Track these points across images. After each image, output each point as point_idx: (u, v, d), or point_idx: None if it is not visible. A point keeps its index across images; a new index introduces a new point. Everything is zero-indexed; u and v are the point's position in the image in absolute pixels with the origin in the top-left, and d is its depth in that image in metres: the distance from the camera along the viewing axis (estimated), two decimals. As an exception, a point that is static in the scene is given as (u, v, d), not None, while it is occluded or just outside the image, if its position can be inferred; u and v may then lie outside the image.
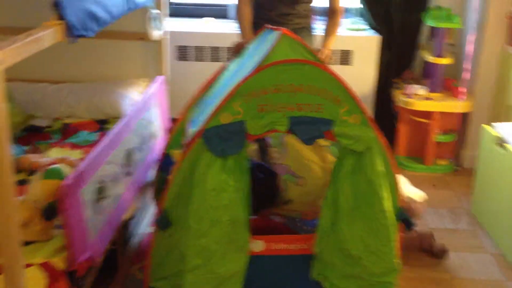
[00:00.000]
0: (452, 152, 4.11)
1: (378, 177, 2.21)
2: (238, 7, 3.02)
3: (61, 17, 1.81)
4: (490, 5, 3.74)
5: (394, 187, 2.31)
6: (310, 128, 2.19)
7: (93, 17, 2.05)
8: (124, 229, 2.91)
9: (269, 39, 2.38)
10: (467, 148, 4.09)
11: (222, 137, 2.12)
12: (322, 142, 2.80)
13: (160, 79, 3.21)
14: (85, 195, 2.07)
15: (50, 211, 1.99)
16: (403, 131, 4.11)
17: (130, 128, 2.66)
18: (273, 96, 2.15)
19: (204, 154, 2.13)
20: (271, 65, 2.16)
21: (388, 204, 2.24)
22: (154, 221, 2.30)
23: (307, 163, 2.85)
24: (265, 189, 2.70)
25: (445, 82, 4.02)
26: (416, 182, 3.85)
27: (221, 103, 2.14)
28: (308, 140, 2.20)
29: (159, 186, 2.62)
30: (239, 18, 3.01)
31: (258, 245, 2.33)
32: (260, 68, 2.17)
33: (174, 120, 2.53)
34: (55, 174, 2.01)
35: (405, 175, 3.93)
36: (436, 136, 3.98)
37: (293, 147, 2.89)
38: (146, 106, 2.94)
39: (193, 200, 2.14)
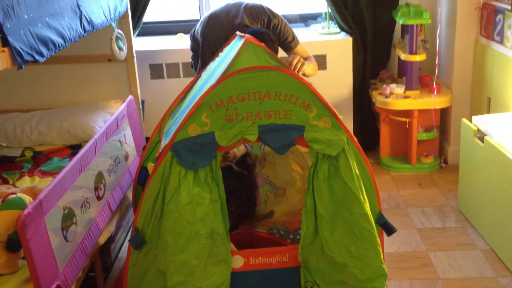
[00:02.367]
0: (436, 149, 4.05)
1: (354, 180, 2.15)
2: None
3: (5, 44, 1.74)
4: (460, -2, 3.71)
5: (371, 189, 2.24)
6: (280, 136, 2.13)
7: (44, 41, 1.98)
8: (104, 255, 2.83)
9: (236, 46, 2.32)
10: (450, 144, 4.04)
11: (192, 150, 2.08)
12: (302, 148, 2.73)
13: (129, 98, 3.14)
14: (49, 223, 1.98)
15: (13, 242, 1.90)
16: (384, 132, 4.06)
17: (98, 150, 2.58)
18: (240, 105, 2.11)
19: (175, 168, 2.09)
20: (235, 74, 2.11)
21: (367, 207, 2.18)
22: (129, 240, 2.22)
23: (286, 172, 2.77)
24: (240, 204, 2.61)
25: (421, 79, 3.97)
26: (402, 182, 3.82)
27: (188, 115, 2.09)
28: (280, 149, 2.15)
29: (137, 200, 2.55)
30: None
31: (236, 261, 2.25)
32: (224, 77, 2.11)
33: (148, 139, 2.49)
34: (15, 204, 1.92)
35: (391, 176, 3.93)
36: (418, 134, 3.92)
37: (272, 156, 2.82)
38: (115, 127, 2.86)
39: (168, 216, 2.09)
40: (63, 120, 3.27)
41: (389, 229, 2.27)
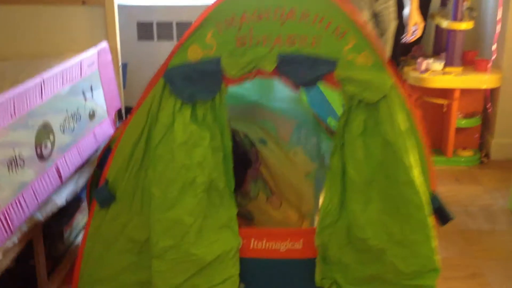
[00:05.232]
0: (476, 140, 3.37)
1: (399, 138, 1.56)
2: None
3: None
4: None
5: (422, 154, 1.58)
6: (305, 69, 1.62)
7: None
8: (54, 240, 2.16)
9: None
10: (494, 135, 3.35)
11: (190, 79, 1.63)
12: (304, 164, 2.10)
13: (102, 45, 2.48)
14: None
15: None
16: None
17: (47, 96, 1.91)
18: (256, 25, 1.63)
19: (168, 102, 1.63)
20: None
21: (416, 175, 1.57)
22: (93, 194, 1.75)
23: (286, 187, 2.15)
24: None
25: (463, 56, 3.31)
26: (436, 177, 3.13)
27: (188, 32, 1.63)
28: (303, 84, 1.67)
29: (93, 186, 1.98)
30: None
31: None
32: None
33: (131, 110, 1.84)
34: None
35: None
36: (457, 120, 3.25)
37: (273, 160, 2.17)
38: (78, 74, 2.20)
39: (156, 162, 1.65)
40: (19, 74, 2.60)
41: (444, 216, 1.68)
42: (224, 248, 1.68)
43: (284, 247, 1.74)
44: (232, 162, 1.70)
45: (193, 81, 1.62)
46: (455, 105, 3.21)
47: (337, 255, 1.68)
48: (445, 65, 3.24)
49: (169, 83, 1.62)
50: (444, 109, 3.27)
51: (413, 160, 1.56)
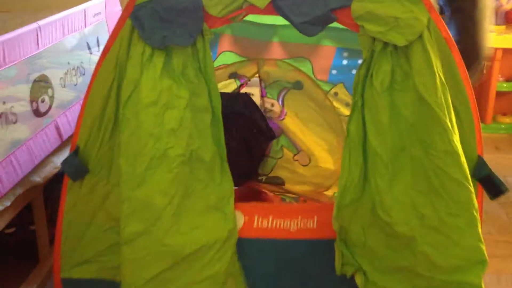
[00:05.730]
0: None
1: (437, 92, 1.26)
2: None
3: None
4: None
5: (467, 116, 1.33)
6: (309, 4, 1.27)
7: None
8: (56, 204, 2.01)
9: None
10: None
11: (163, 19, 1.29)
12: (342, 109, 1.89)
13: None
14: None
15: None
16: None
17: (45, 44, 1.73)
18: None
19: (136, 48, 1.30)
20: None
21: (458, 142, 1.28)
22: (61, 164, 1.44)
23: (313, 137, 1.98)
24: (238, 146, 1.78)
25: (507, 14, 3.04)
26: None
27: None
28: (305, 26, 1.28)
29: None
30: None
31: None
32: None
33: None
34: None
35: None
36: (498, 84, 2.98)
37: (296, 110, 2.01)
38: (82, 23, 2.00)
39: (123, 127, 1.32)
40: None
41: (495, 188, 1.35)
42: (208, 237, 1.35)
43: (294, 226, 1.43)
44: (222, 125, 1.38)
45: (167, 21, 1.29)
46: (496, 67, 2.96)
47: (361, 238, 1.36)
48: (487, 23, 2.95)
49: (136, 24, 1.29)
50: (484, 71, 2.99)
51: (454, 121, 1.28)
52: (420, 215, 1.29)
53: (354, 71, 1.80)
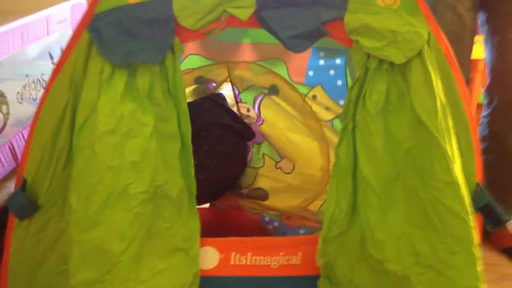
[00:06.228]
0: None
1: (437, 115, 1.16)
2: None
3: None
4: None
5: (466, 140, 1.23)
6: (297, 16, 1.14)
7: None
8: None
9: None
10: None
11: (127, 31, 1.13)
12: (323, 114, 1.77)
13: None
14: None
15: None
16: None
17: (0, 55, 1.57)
18: None
19: (94, 64, 1.15)
20: None
21: (459, 172, 1.18)
22: (6, 201, 1.25)
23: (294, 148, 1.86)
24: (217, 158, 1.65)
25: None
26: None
27: None
28: (292, 40, 1.16)
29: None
30: None
31: (206, 257, 1.28)
32: None
33: None
34: None
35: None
36: (479, 96, 2.91)
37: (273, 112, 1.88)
38: (44, 31, 1.84)
39: (77, 156, 1.17)
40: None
41: (496, 218, 1.26)
42: (172, 284, 1.22)
43: (276, 262, 1.31)
44: (191, 155, 1.23)
45: (131, 33, 1.13)
46: (477, 78, 2.86)
47: (347, 275, 1.26)
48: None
49: (94, 37, 1.12)
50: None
51: (455, 147, 1.18)
52: (414, 252, 1.19)
53: (332, 72, 1.71)
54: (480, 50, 2.75)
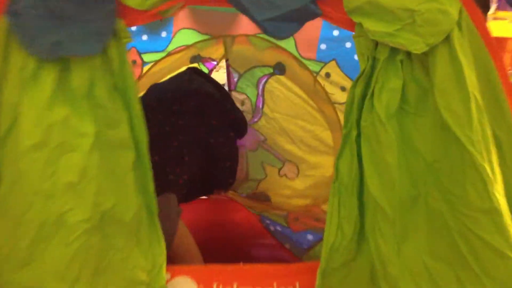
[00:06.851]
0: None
1: (474, 120, 0.90)
2: None
3: None
4: None
5: (509, 146, 0.96)
6: None
7: None
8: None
9: None
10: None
11: (55, 14, 0.88)
12: (338, 95, 1.58)
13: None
14: None
15: None
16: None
17: None
18: None
19: (14, 58, 0.90)
20: None
21: (501, 194, 0.91)
22: None
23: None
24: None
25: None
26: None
27: None
28: (272, 24, 0.92)
29: None
30: None
31: None
32: None
33: None
34: None
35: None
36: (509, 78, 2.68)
37: (274, 102, 1.72)
38: None
39: (1, 175, 0.94)
40: None
41: None
42: None
43: None
44: (149, 166, 1.01)
45: (59, 17, 0.89)
46: (507, 59, 2.69)
47: None
48: (497, 9, 2.77)
49: (13, 23, 0.89)
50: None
51: (496, 161, 0.92)
52: None
53: (348, 44, 1.50)
54: (508, 27, 2.61)
